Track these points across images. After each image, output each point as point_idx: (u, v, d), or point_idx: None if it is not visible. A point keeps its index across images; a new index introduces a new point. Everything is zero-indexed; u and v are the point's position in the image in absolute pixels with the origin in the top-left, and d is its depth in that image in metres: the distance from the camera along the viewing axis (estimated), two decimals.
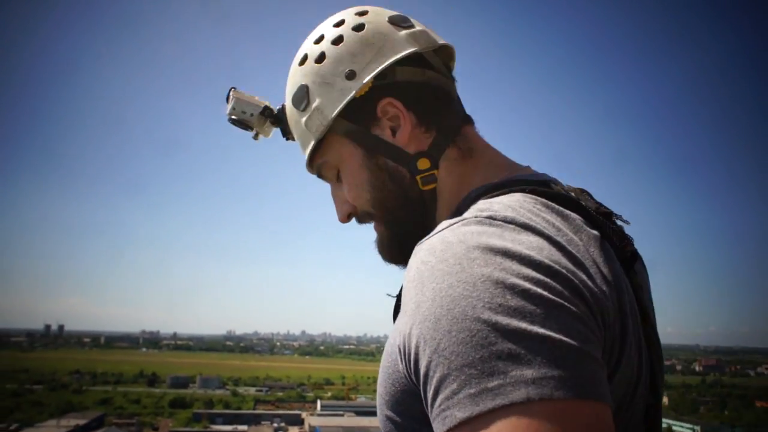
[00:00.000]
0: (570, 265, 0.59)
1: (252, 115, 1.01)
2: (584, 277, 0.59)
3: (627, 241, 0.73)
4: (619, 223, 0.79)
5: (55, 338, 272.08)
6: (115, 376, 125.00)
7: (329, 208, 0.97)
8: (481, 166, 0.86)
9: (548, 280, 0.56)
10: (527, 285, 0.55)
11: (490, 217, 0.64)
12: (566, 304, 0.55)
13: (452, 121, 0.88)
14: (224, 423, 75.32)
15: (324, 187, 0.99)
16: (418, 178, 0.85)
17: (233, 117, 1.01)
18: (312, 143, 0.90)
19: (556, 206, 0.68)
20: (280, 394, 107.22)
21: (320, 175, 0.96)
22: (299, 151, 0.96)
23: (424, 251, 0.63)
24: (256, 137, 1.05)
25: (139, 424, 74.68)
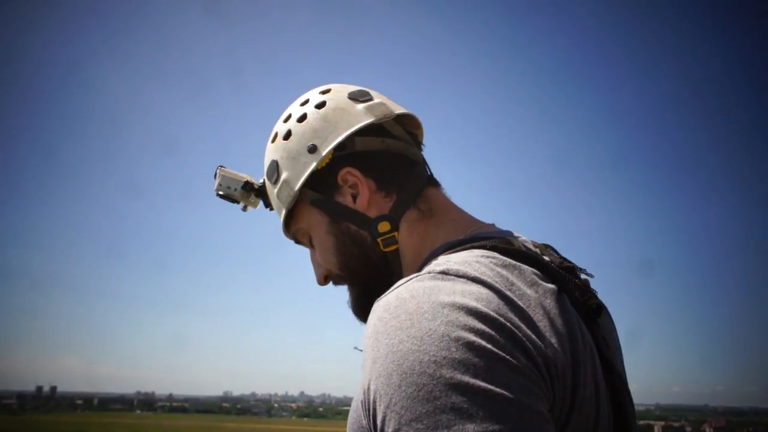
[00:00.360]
0: (516, 319, 0.62)
1: (236, 190, 1.09)
2: (529, 331, 0.62)
3: (589, 294, 0.78)
4: (584, 276, 0.84)
5: (47, 400, 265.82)
6: None
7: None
8: (443, 224, 0.91)
9: (492, 332, 0.59)
10: (472, 337, 0.58)
11: (443, 272, 0.68)
12: (508, 357, 0.58)
13: (413, 184, 0.94)
14: None
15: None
16: (378, 240, 0.92)
17: (220, 192, 1.09)
18: (284, 212, 0.99)
19: (512, 261, 0.72)
20: None
21: (297, 241, 1.04)
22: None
23: (380, 308, 0.67)
24: (244, 209, 1.14)
25: None
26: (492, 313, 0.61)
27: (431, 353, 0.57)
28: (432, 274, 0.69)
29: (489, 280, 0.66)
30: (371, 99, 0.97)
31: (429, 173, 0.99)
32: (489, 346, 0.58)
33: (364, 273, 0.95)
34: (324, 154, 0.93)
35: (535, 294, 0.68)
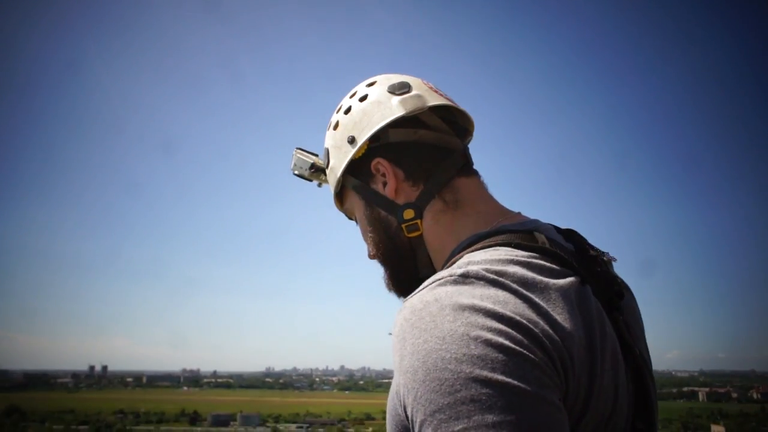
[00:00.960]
0: (533, 316, 0.67)
1: (305, 170, 1.20)
2: (546, 326, 0.66)
3: (612, 281, 0.82)
4: (608, 259, 0.88)
5: (99, 379, 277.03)
6: (157, 415, 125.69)
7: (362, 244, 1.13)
8: (469, 216, 0.95)
9: (509, 330, 0.64)
10: (489, 335, 0.63)
11: (463, 275, 0.72)
12: (525, 352, 0.63)
13: (442, 174, 0.98)
14: None
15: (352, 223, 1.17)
16: (403, 226, 0.99)
17: (294, 172, 1.21)
18: (333, 195, 1.13)
19: (533, 257, 0.77)
20: (320, 430, 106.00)
21: (350, 219, 1.15)
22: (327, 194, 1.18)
23: (406, 310, 0.72)
24: (319, 185, 1.26)
25: None
26: (508, 313, 0.66)
27: (452, 351, 0.63)
28: (454, 278, 0.73)
29: (507, 281, 0.70)
30: (408, 91, 1.01)
31: (466, 163, 1.01)
32: (506, 342, 0.63)
33: (391, 255, 1.03)
34: (359, 145, 1.01)
35: (554, 288, 0.72)
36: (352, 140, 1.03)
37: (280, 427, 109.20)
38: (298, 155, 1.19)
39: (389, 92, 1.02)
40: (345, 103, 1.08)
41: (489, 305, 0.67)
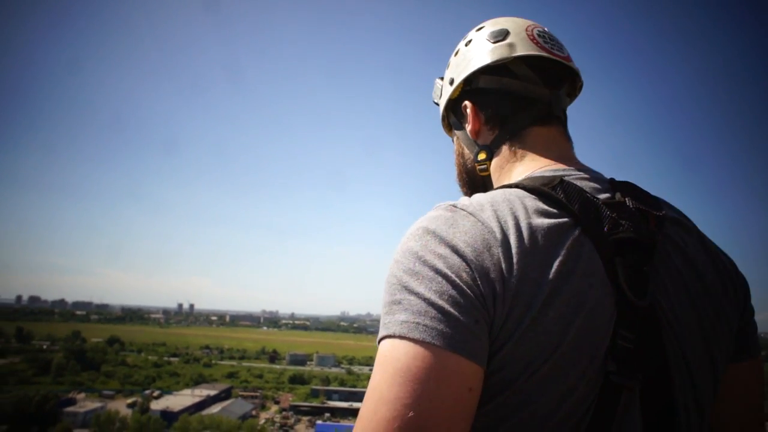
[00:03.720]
0: (481, 248, 0.76)
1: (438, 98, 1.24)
2: (489, 258, 0.75)
3: (623, 228, 0.81)
4: (658, 214, 0.88)
5: (187, 316, 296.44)
6: (239, 352, 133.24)
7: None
8: (526, 164, 1.00)
9: (450, 255, 0.75)
10: (430, 257, 0.76)
11: (453, 205, 0.83)
12: (451, 274, 0.73)
13: (517, 122, 1.03)
14: (340, 399, 78.02)
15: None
16: (475, 164, 1.09)
17: (433, 100, 1.27)
18: (441, 122, 1.23)
19: (527, 198, 0.83)
20: None
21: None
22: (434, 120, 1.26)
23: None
24: None
25: (263, 397, 79.36)
26: (459, 243, 0.76)
27: (403, 264, 0.77)
28: (446, 206, 0.84)
29: (480, 214, 0.80)
30: (503, 40, 1.05)
31: (549, 112, 1.04)
32: (439, 264, 0.74)
33: (467, 185, 1.16)
34: (454, 87, 1.10)
35: (526, 226, 0.78)
36: (451, 81, 1.12)
37: (354, 368, 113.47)
38: (435, 84, 1.23)
39: (487, 39, 1.07)
40: (459, 44, 1.15)
41: (448, 233, 0.78)
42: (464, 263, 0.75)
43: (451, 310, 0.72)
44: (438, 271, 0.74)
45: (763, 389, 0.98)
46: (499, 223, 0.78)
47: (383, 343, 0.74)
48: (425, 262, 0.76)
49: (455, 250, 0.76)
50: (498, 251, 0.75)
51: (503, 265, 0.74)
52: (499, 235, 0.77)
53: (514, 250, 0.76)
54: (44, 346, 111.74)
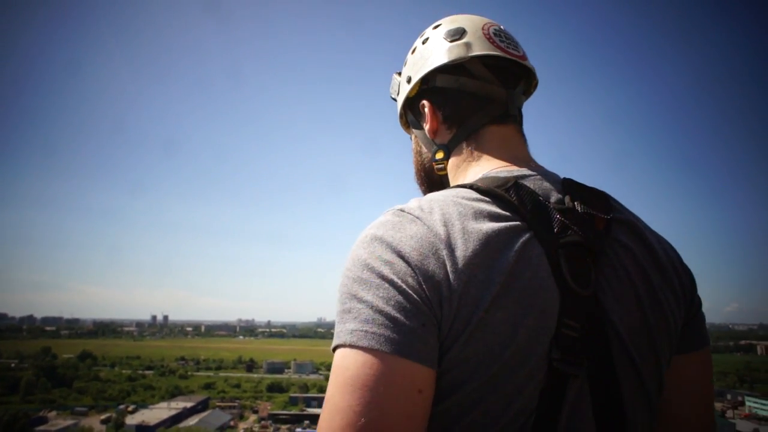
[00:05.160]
0: (427, 252, 0.77)
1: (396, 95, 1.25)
2: (435, 262, 0.76)
3: (571, 231, 0.84)
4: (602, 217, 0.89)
5: (161, 327, 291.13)
6: (216, 362, 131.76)
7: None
8: (482, 163, 1.01)
9: (396, 261, 0.77)
10: (377, 264, 0.77)
11: (401, 209, 0.85)
12: (397, 280, 0.75)
13: (474, 122, 1.04)
14: (319, 406, 77.06)
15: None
16: (433, 163, 1.10)
17: (391, 95, 1.27)
18: (398, 119, 1.24)
19: (476, 200, 0.85)
20: None
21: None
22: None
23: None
24: None
25: (241, 407, 78.50)
26: (405, 248, 0.78)
27: (352, 272, 0.79)
28: (394, 210, 0.86)
29: (428, 218, 0.81)
30: (460, 39, 1.06)
31: (504, 112, 1.04)
32: (386, 270, 0.76)
33: (424, 184, 1.18)
34: (411, 86, 1.11)
35: (474, 229, 0.79)
36: (408, 80, 1.13)
37: None
38: (393, 79, 1.24)
39: (444, 38, 1.08)
40: (416, 41, 1.15)
41: (394, 239, 0.79)
42: (409, 268, 0.76)
43: (398, 315, 0.73)
44: (384, 278, 0.76)
45: (712, 379, 1.00)
46: (446, 226, 0.80)
47: (336, 352, 0.76)
48: (372, 270, 0.77)
49: (401, 256, 0.77)
50: (444, 254, 0.77)
51: (449, 268, 0.76)
52: (444, 239, 0.78)
53: (459, 252, 0.77)
54: (12, 364, 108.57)
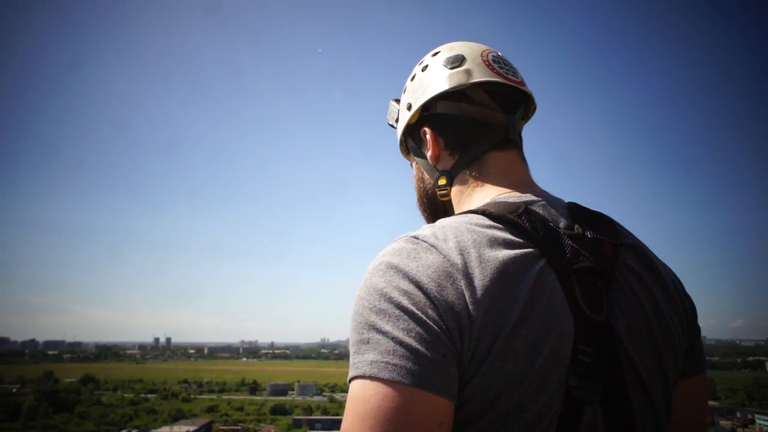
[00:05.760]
0: (445, 282, 0.77)
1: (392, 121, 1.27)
2: (453, 292, 0.76)
3: (583, 257, 0.85)
4: (611, 242, 0.91)
5: (164, 350, 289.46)
6: (219, 384, 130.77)
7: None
8: (486, 190, 1.02)
9: (415, 291, 0.76)
10: (395, 294, 0.77)
11: (414, 237, 0.85)
12: (416, 311, 0.75)
13: (476, 148, 1.05)
14: (323, 429, 76.72)
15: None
16: (436, 190, 1.11)
17: (388, 122, 1.28)
18: (399, 146, 1.24)
19: (489, 227, 0.85)
20: None
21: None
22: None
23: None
24: None
25: (244, 430, 77.64)
26: (423, 278, 0.77)
27: (368, 302, 0.78)
28: (407, 238, 0.85)
29: (443, 246, 0.81)
30: (459, 66, 1.08)
31: (505, 137, 1.06)
32: (404, 301, 0.76)
33: (428, 211, 1.18)
34: (412, 113, 1.12)
35: (490, 257, 0.79)
36: (409, 107, 1.14)
37: (337, 396, 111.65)
38: (391, 106, 1.24)
39: (444, 65, 1.09)
40: (416, 68, 1.17)
41: (410, 268, 0.79)
42: (428, 299, 0.76)
43: (419, 347, 0.73)
44: (404, 309, 0.76)
45: (707, 403, 1.03)
46: (462, 255, 0.79)
47: (353, 383, 0.75)
48: (390, 300, 0.77)
49: (419, 286, 0.77)
50: (462, 284, 0.77)
51: (468, 298, 0.76)
52: (462, 268, 0.78)
53: (477, 282, 0.77)
54: (14, 390, 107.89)
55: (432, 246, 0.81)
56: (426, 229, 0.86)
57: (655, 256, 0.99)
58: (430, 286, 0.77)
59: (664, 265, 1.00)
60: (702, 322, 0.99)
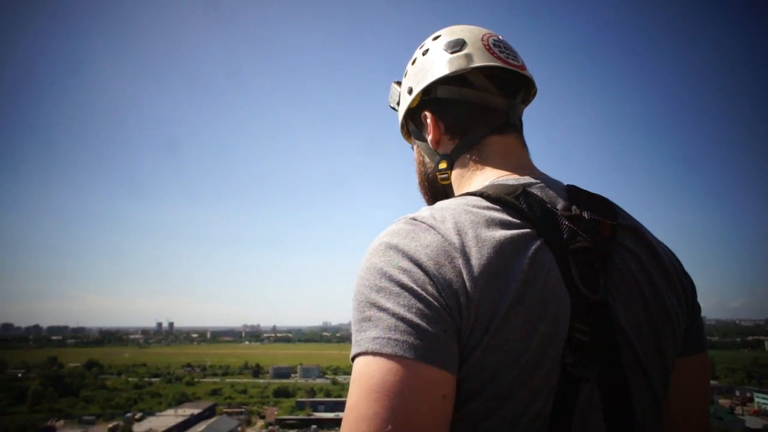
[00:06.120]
0: (443, 260, 0.79)
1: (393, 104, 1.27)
2: (451, 269, 0.78)
3: (580, 236, 0.86)
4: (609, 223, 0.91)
5: (167, 335, 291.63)
6: (222, 368, 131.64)
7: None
8: (486, 173, 1.02)
9: (414, 269, 0.78)
10: (395, 272, 0.79)
11: (413, 218, 0.86)
12: (416, 287, 0.77)
13: (476, 132, 1.06)
14: (326, 410, 77.41)
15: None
16: (436, 173, 1.11)
17: (390, 104, 1.28)
18: (400, 129, 1.25)
19: (487, 207, 0.86)
20: None
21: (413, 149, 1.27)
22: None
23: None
24: None
25: (248, 412, 78.38)
26: (420, 255, 0.79)
27: (368, 281, 0.80)
28: (406, 219, 0.87)
29: (441, 227, 0.82)
30: (460, 50, 1.08)
31: (505, 122, 1.06)
32: (405, 278, 0.77)
33: (428, 194, 1.19)
34: (412, 97, 1.12)
35: (487, 237, 0.81)
36: (410, 91, 1.14)
37: (339, 378, 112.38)
38: (392, 89, 1.25)
39: (444, 49, 1.09)
40: (416, 52, 1.17)
41: (409, 247, 0.81)
42: (427, 276, 0.78)
43: (420, 322, 0.74)
44: (404, 286, 0.77)
45: (710, 381, 1.02)
46: (459, 234, 0.81)
47: (357, 360, 0.76)
48: (390, 278, 0.78)
49: (418, 264, 0.79)
50: (459, 263, 0.78)
51: (465, 276, 0.77)
52: (459, 247, 0.79)
53: (474, 260, 0.78)
54: (19, 374, 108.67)
55: (430, 227, 0.83)
56: (424, 211, 0.88)
57: (654, 237, 1.00)
58: (429, 264, 0.78)
59: (663, 245, 1.00)
60: (702, 301, 1.00)
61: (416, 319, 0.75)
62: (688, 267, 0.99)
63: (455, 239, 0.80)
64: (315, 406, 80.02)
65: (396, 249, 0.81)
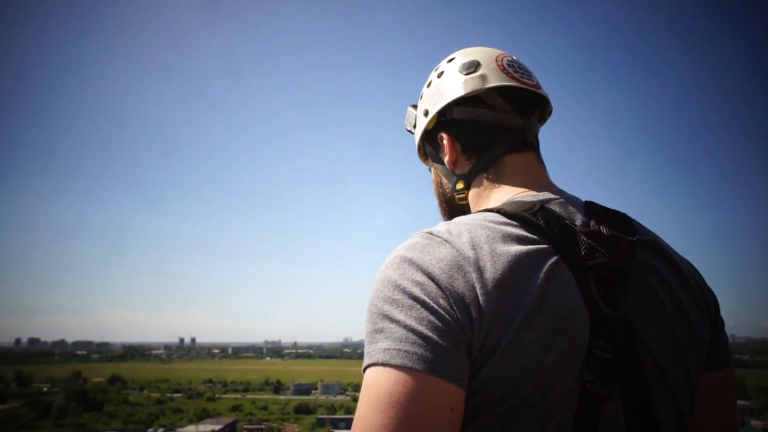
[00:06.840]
0: (456, 274, 0.79)
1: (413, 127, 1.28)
2: (464, 284, 0.78)
3: (598, 253, 0.86)
4: (627, 239, 0.91)
5: (189, 350, 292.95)
6: (243, 384, 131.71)
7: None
8: (503, 189, 1.03)
9: (427, 282, 0.78)
10: (408, 285, 0.79)
11: (429, 232, 0.87)
12: (429, 300, 0.77)
13: (493, 152, 1.07)
14: (347, 428, 76.70)
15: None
16: (454, 194, 1.13)
17: (406, 128, 1.30)
18: (417, 152, 1.27)
19: (504, 223, 0.86)
20: None
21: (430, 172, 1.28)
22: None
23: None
24: None
25: (268, 429, 78.11)
26: (434, 269, 0.80)
27: (382, 293, 0.80)
28: (422, 234, 0.87)
29: (456, 241, 0.83)
30: (474, 71, 1.09)
31: (522, 140, 1.07)
32: (417, 291, 0.78)
33: (447, 216, 1.19)
34: (428, 119, 1.14)
35: (503, 252, 0.81)
36: (426, 113, 1.15)
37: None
38: (408, 112, 1.27)
39: (459, 71, 1.11)
40: (431, 75, 1.19)
41: (423, 261, 0.81)
42: (440, 289, 0.78)
43: (431, 335, 0.75)
44: (416, 299, 0.78)
45: (736, 396, 1.02)
46: (474, 249, 0.81)
47: (368, 371, 0.76)
48: (403, 290, 0.79)
49: (431, 277, 0.79)
50: (473, 276, 0.78)
51: (478, 290, 0.77)
52: (473, 261, 0.80)
53: (488, 275, 0.78)
54: (45, 389, 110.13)
55: (446, 241, 0.83)
56: (441, 226, 0.88)
57: (674, 251, 0.99)
58: (442, 277, 0.79)
59: (684, 260, 1.00)
60: (732, 320, 1.19)
61: (427, 332, 0.75)
62: (718, 284, 0.98)
63: (470, 253, 0.81)
64: (335, 423, 79.39)
65: (410, 262, 0.82)
